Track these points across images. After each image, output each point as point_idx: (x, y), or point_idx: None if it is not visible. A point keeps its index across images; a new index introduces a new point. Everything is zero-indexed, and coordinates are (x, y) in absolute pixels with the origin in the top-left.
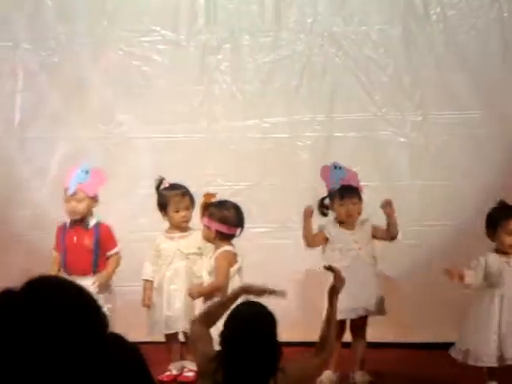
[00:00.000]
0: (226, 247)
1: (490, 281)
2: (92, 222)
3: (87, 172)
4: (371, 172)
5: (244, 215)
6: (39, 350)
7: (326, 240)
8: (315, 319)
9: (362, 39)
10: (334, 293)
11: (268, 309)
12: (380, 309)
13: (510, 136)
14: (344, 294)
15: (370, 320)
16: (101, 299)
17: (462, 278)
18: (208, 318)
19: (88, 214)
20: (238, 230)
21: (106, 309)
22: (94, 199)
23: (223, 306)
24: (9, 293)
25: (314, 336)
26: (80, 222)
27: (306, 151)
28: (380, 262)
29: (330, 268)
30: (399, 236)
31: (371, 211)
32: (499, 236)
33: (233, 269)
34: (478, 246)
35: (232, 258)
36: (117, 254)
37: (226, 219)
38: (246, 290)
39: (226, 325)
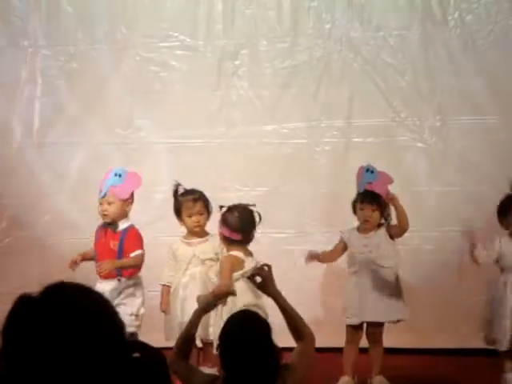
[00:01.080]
0: (233, 252)
1: (503, 264)
2: (122, 226)
3: (120, 175)
4: None
5: (253, 220)
6: (56, 356)
7: (346, 246)
8: (334, 324)
9: (380, 44)
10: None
11: (258, 314)
12: (400, 314)
13: None
14: (354, 299)
15: (389, 326)
16: (125, 304)
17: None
18: (183, 348)
19: (119, 217)
20: (241, 235)
21: (128, 313)
22: (127, 202)
23: (190, 329)
24: (27, 298)
25: (335, 341)
26: (111, 224)
27: (325, 157)
28: (400, 268)
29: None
30: (418, 241)
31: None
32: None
33: (236, 273)
34: None
35: (236, 263)
36: (138, 255)
37: (227, 222)
38: (203, 309)
39: (220, 337)
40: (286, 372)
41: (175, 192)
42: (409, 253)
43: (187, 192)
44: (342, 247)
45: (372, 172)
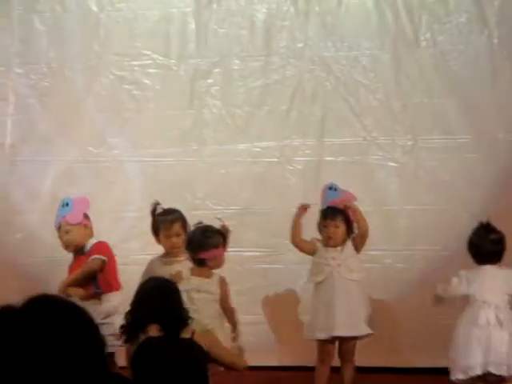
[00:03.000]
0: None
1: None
2: (88, 246)
3: (67, 204)
4: (361, 196)
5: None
6: (33, 367)
7: (315, 251)
8: (308, 342)
9: (352, 64)
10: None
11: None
12: (367, 328)
13: (499, 161)
14: (321, 313)
15: (361, 344)
16: (105, 324)
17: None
18: None
19: (82, 240)
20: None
21: (108, 333)
22: (83, 225)
23: None
24: (9, 309)
25: (309, 359)
26: (79, 251)
27: (297, 175)
28: (371, 286)
29: None
30: (390, 260)
31: None
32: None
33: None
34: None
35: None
36: (95, 259)
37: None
38: None
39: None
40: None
41: (153, 211)
42: (380, 271)
43: (165, 212)
44: (312, 248)
45: (335, 190)
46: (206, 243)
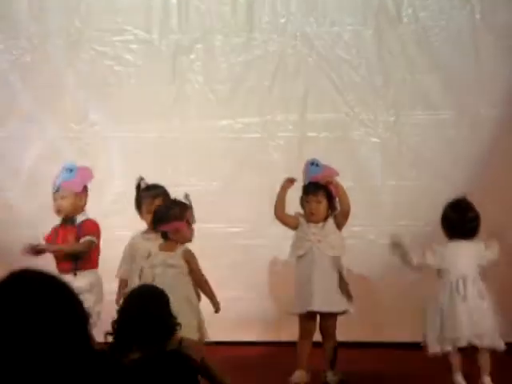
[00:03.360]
0: None
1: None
2: (79, 220)
3: (72, 170)
4: (344, 172)
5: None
6: (20, 339)
7: (297, 225)
8: (290, 319)
9: (334, 40)
10: None
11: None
12: (345, 305)
13: (481, 137)
14: (300, 287)
15: (344, 319)
16: (91, 302)
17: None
18: None
19: (74, 211)
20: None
21: (96, 310)
22: (80, 196)
23: None
24: None
25: (288, 335)
26: (68, 220)
27: (279, 151)
28: (354, 262)
29: None
30: (373, 236)
31: None
32: None
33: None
34: None
35: None
36: (86, 241)
37: None
38: None
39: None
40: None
41: (138, 186)
42: (364, 247)
43: (148, 188)
44: (295, 222)
45: (317, 165)
46: (166, 215)
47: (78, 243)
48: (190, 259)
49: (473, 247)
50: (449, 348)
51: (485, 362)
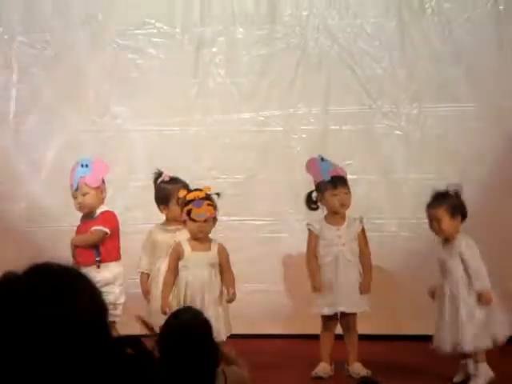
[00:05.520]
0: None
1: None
2: (98, 212)
3: (87, 165)
4: (366, 165)
5: None
6: (39, 334)
7: (317, 237)
8: (311, 313)
9: (357, 32)
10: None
11: (202, 313)
12: (362, 305)
13: (505, 128)
14: (324, 290)
15: (366, 312)
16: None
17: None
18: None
19: (96, 205)
20: None
21: (119, 302)
22: (100, 190)
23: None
24: (11, 275)
25: (310, 328)
26: (89, 214)
27: (301, 144)
28: (375, 255)
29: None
30: (395, 228)
31: (367, 204)
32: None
33: None
34: (474, 239)
35: None
36: (97, 230)
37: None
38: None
39: (162, 329)
40: (229, 371)
41: (156, 180)
42: (385, 240)
43: (175, 180)
44: (315, 241)
45: (326, 160)
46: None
47: (87, 234)
48: (224, 254)
49: None
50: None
51: None
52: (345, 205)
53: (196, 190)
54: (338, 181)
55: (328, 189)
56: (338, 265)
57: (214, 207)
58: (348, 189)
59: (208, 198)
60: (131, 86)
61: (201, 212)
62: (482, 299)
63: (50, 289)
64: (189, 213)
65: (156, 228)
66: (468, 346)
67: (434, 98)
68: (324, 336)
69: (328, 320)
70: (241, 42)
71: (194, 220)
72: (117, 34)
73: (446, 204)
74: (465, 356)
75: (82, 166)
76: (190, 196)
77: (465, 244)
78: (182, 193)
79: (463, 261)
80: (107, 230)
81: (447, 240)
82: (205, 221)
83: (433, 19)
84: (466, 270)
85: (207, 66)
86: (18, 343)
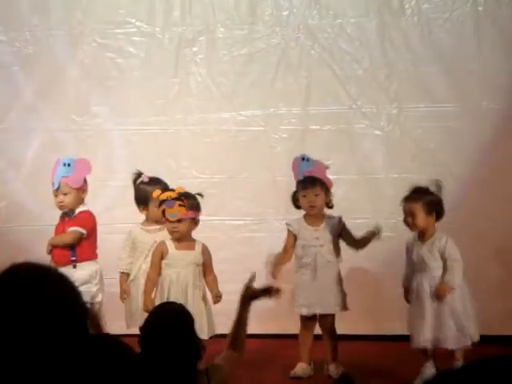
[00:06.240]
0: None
1: (413, 266)
2: (77, 211)
3: (69, 164)
4: (347, 165)
5: None
6: (18, 332)
7: (295, 237)
8: (292, 312)
9: (337, 32)
10: (250, 296)
11: (185, 307)
12: (340, 306)
13: (484, 129)
14: (303, 291)
15: (346, 312)
16: (92, 292)
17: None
18: (235, 342)
19: (76, 205)
20: None
21: (97, 301)
22: (81, 190)
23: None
24: None
25: (289, 328)
26: (68, 213)
27: (282, 144)
28: (356, 255)
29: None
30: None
31: (347, 204)
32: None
33: None
34: (453, 238)
35: None
36: (73, 231)
37: (199, 206)
38: (249, 295)
39: (143, 325)
40: (212, 371)
41: (135, 180)
42: None
43: (154, 181)
44: (294, 240)
45: (308, 160)
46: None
47: (64, 235)
48: (208, 254)
49: None
50: None
51: None
52: (314, 206)
53: (169, 190)
54: (308, 182)
55: (299, 189)
56: (316, 266)
57: (188, 207)
58: (321, 190)
59: (179, 198)
60: (111, 85)
61: (172, 212)
62: (440, 291)
63: (29, 289)
64: (163, 213)
65: (136, 228)
66: (451, 343)
67: (413, 98)
68: (303, 336)
69: (307, 320)
70: (221, 42)
71: (168, 220)
72: (96, 33)
73: (423, 200)
74: (433, 356)
75: (65, 165)
76: (163, 196)
77: (445, 241)
78: (156, 193)
79: (443, 258)
80: (84, 231)
81: (424, 236)
82: (178, 221)
83: (412, 19)
84: (444, 265)
85: (188, 66)
86: None
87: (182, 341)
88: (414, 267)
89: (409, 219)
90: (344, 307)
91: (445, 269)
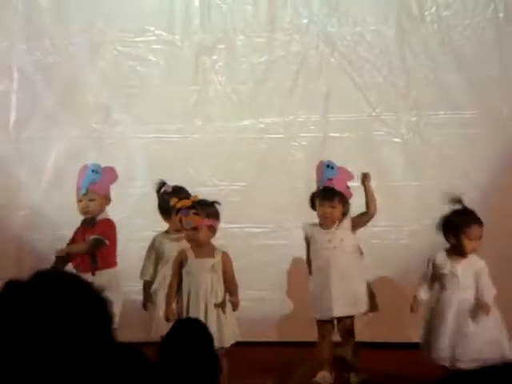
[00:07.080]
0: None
1: (441, 282)
2: (98, 218)
3: (97, 172)
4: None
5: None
6: (44, 342)
7: (308, 241)
8: (313, 320)
9: (356, 40)
10: None
11: (206, 327)
12: (366, 305)
13: (504, 136)
14: (319, 295)
15: (366, 319)
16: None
17: (416, 301)
18: None
19: (100, 212)
20: None
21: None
22: (106, 198)
23: None
24: (16, 283)
25: (311, 335)
26: (89, 220)
27: (301, 151)
28: (375, 262)
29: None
30: (394, 236)
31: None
32: (461, 241)
33: None
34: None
35: None
36: (93, 239)
37: (217, 213)
38: None
39: (164, 340)
40: None
41: (159, 189)
42: (385, 247)
43: (177, 190)
44: (307, 244)
45: (332, 168)
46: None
47: (84, 243)
48: (228, 263)
49: None
50: None
51: None
52: (326, 218)
53: (185, 198)
54: (326, 194)
55: (317, 198)
56: (330, 269)
57: (204, 215)
58: (339, 202)
59: (194, 207)
60: (131, 93)
61: (188, 221)
62: (483, 309)
63: (56, 296)
64: (180, 221)
65: (160, 237)
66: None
67: (433, 106)
68: (322, 343)
69: (324, 326)
70: (240, 50)
71: (184, 228)
72: (117, 41)
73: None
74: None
75: (93, 171)
76: (178, 205)
77: (482, 264)
78: (173, 201)
79: (477, 280)
80: (105, 241)
81: (463, 256)
82: (194, 229)
83: (432, 26)
84: (476, 286)
85: (207, 73)
86: (24, 349)
87: (200, 362)
88: (442, 284)
89: (475, 243)
90: (371, 308)
91: (478, 291)
